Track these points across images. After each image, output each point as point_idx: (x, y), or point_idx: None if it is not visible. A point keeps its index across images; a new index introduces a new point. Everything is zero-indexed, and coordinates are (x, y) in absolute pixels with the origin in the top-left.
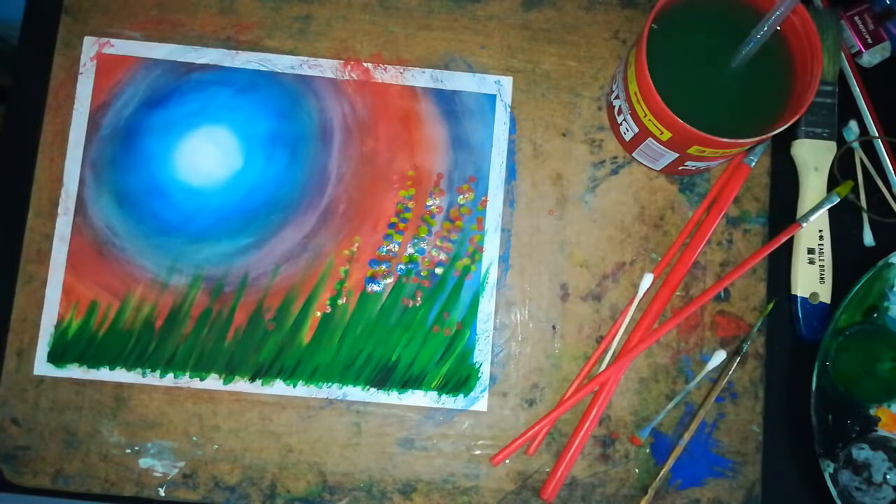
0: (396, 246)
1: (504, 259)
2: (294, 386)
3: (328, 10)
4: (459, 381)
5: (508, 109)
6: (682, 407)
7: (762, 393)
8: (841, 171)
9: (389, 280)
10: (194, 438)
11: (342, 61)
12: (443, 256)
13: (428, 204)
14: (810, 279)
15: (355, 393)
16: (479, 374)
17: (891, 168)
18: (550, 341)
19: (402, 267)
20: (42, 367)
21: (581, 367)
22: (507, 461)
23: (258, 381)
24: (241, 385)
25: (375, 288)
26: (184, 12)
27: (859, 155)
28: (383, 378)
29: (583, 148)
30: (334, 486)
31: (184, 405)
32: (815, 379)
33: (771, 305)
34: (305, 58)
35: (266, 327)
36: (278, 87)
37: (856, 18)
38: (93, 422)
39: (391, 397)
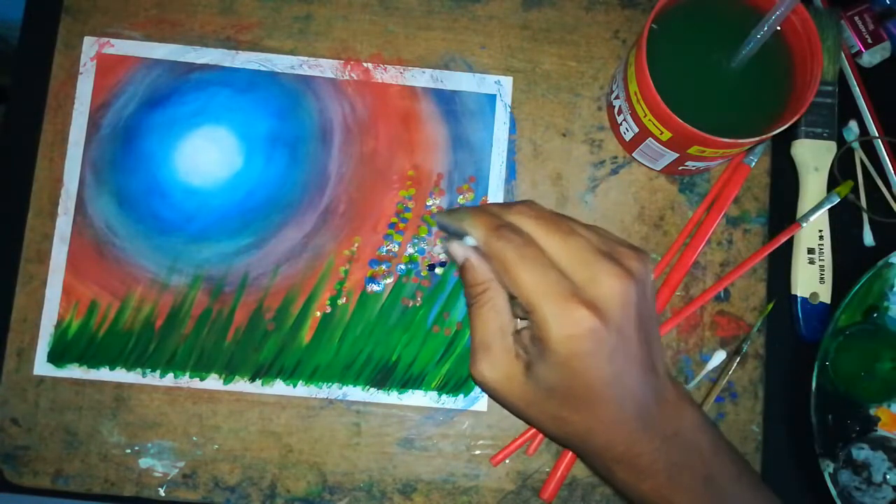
0: (396, 246)
1: None
2: (294, 386)
3: (328, 10)
4: (459, 381)
5: (508, 109)
6: None
7: (762, 393)
8: (841, 171)
9: (389, 280)
10: (194, 438)
11: (342, 61)
12: (443, 256)
13: (428, 204)
14: (810, 279)
15: (355, 393)
16: None
17: (891, 168)
18: None
19: (402, 267)
20: (42, 367)
21: None
22: (507, 461)
23: (258, 381)
24: (241, 385)
25: (375, 288)
26: (184, 12)
27: (859, 155)
28: (383, 378)
29: (583, 148)
30: (334, 486)
31: (184, 405)
32: (815, 379)
33: (771, 305)
34: (305, 58)
35: (266, 327)
36: (278, 87)
37: (856, 18)
38: (93, 422)
39: (391, 397)
